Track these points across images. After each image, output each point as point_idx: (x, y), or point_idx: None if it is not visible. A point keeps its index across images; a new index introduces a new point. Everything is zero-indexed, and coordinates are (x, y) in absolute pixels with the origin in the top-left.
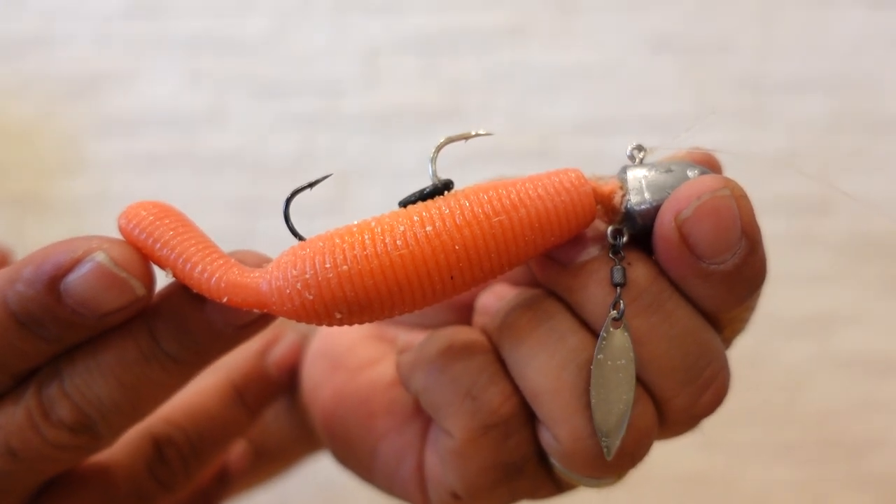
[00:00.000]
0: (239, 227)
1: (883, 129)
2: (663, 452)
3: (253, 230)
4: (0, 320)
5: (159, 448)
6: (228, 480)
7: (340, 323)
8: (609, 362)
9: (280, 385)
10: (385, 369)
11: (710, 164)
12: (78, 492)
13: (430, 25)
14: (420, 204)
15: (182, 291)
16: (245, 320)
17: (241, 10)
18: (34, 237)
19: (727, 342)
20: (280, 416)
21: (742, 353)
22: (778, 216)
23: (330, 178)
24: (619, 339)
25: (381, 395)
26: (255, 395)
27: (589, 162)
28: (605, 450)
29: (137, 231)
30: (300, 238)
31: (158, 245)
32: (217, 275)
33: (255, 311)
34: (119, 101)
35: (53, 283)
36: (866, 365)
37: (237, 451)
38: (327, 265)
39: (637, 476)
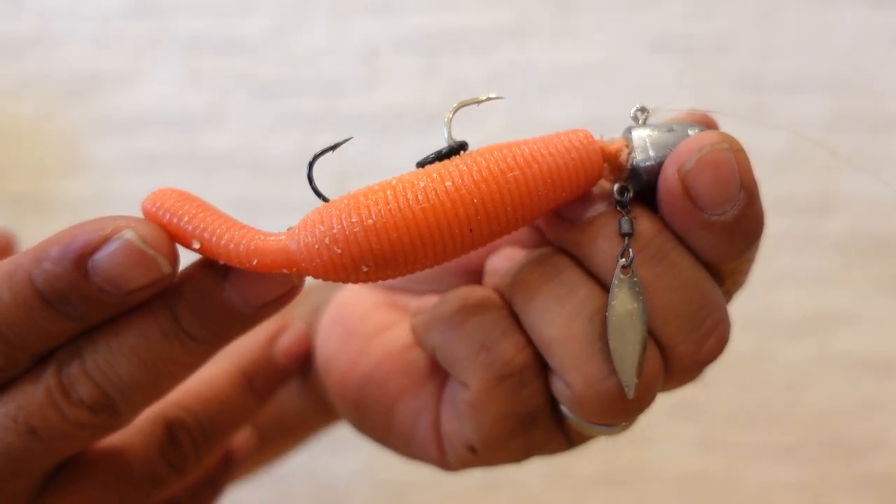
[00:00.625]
0: None
1: (883, 129)
2: (664, 453)
3: None
4: (25, 299)
5: (172, 432)
6: (233, 465)
7: (366, 278)
8: (621, 308)
9: (287, 373)
10: (398, 333)
11: (708, 125)
12: (91, 473)
13: (429, 25)
14: (438, 163)
15: (202, 272)
16: (263, 299)
17: (240, 11)
18: (33, 237)
19: (728, 294)
20: (294, 392)
21: (743, 353)
22: (779, 216)
23: (332, 177)
24: (628, 286)
25: (395, 358)
26: (263, 383)
27: None
28: (626, 389)
29: (162, 212)
30: (324, 199)
31: (185, 220)
32: (245, 241)
33: (284, 271)
34: (118, 101)
35: (81, 260)
36: (867, 365)
37: (241, 436)
38: (353, 220)
39: (638, 476)
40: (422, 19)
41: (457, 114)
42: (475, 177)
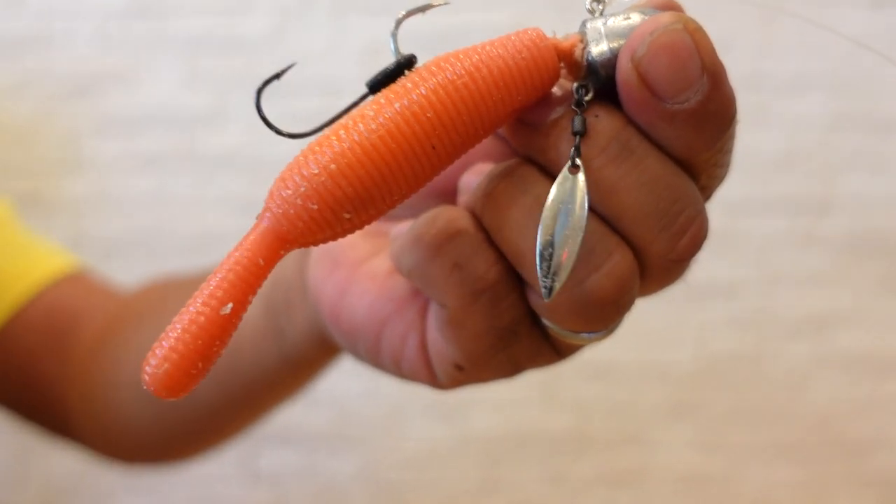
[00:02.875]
0: (238, 227)
1: (883, 130)
2: (663, 453)
3: None
4: None
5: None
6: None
7: (353, 225)
8: (560, 206)
9: None
10: (382, 261)
11: (673, 9)
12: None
13: (429, 25)
14: (384, 89)
15: None
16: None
17: (240, 10)
18: None
19: (707, 190)
20: (298, 326)
21: (742, 352)
22: (778, 216)
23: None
24: (571, 184)
25: (379, 284)
26: None
27: None
28: (544, 290)
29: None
30: (275, 129)
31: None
32: (235, 263)
33: (281, 252)
34: (119, 100)
35: None
36: (867, 364)
37: None
38: (315, 170)
39: (637, 477)
40: (421, 19)
41: None
42: (423, 91)
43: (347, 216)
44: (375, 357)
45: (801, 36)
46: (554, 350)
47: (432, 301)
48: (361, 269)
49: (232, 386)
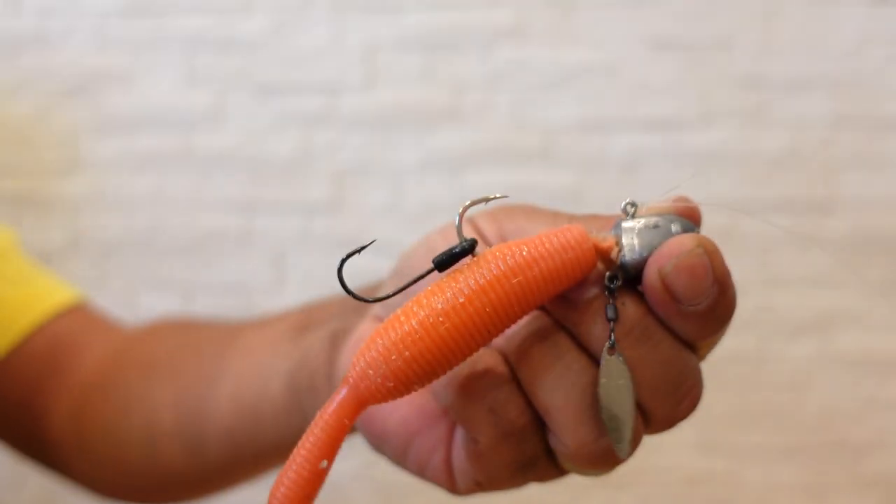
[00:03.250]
0: (237, 227)
1: (884, 129)
2: (666, 454)
3: (251, 229)
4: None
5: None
6: None
7: (417, 389)
8: (611, 383)
9: None
10: None
11: (691, 215)
12: None
13: (429, 24)
14: (447, 276)
15: None
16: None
17: (239, 9)
18: (32, 236)
19: (702, 358)
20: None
21: (744, 353)
22: (780, 217)
23: (329, 176)
24: (615, 364)
25: (412, 399)
26: None
27: (590, 161)
28: (620, 453)
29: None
30: (360, 298)
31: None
32: (324, 426)
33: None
34: (117, 99)
35: None
36: (868, 365)
37: None
38: (393, 357)
39: (639, 478)
40: (421, 18)
41: (461, 112)
42: (484, 286)
43: (416, 386)
44: (400, 460)
45: (802, 35)
46: (558, 472)
47: (460, 429)
48: None
49: (246, 452)
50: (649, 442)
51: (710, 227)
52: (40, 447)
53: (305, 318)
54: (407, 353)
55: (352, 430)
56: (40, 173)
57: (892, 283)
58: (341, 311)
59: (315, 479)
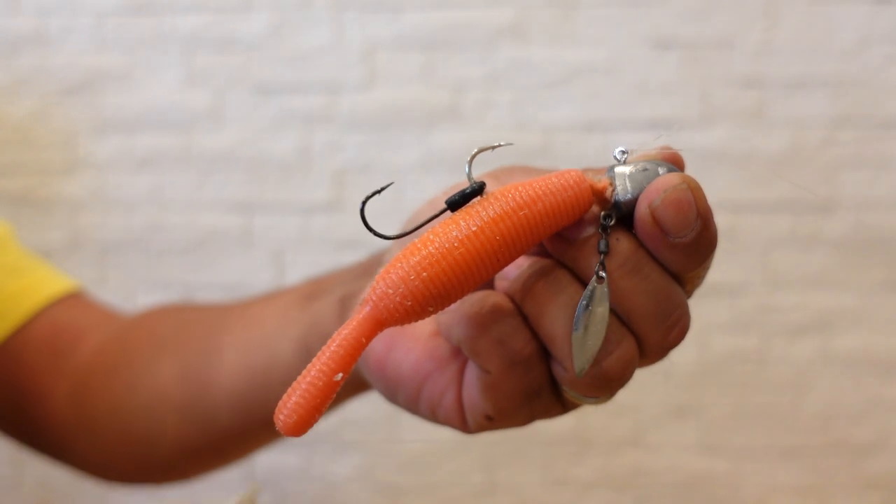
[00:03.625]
0: (236, 226)
1: (886, 129)
2: (665, 456)
3: (250, 229)
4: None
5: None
6: None
7: (431, 313)
8: (592, 308)
9: None
10: (426, 325)
11: (675, 161)
12: None
13: (429, 23)
14: (461, 210)
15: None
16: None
17: (239, 8)
18: (31, 236)
19: (689, 293)
20: None
21: (745, 353)
22: (781, 216)
23: (328, 176)
24: (599, 292)
25: (423, 344)
26: None
27: (590, 160)
28: (578, 372)
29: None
30: (380, 234)
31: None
32: (344, 339)
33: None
34: (116, 99)
35: None
36: (870, 365)
37: None
38: (412, 278)
39: (639, 480)
40: (421, 17)
41: (461, 112)
42: (495, 218)
43: (431, 309)
44: (413, 404)
45: (804, 33)
46: (563, 406)
47: (471, 364)
48: (407, 330)
49: (256, 418)
50: (650, 443)
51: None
52: (42, 433)
53: (313, 287)
54: (425, 273)
55: (357, 391)
56: (39, 173)
57: (894, 283)
58: (349, 278)
59: (328, 390)
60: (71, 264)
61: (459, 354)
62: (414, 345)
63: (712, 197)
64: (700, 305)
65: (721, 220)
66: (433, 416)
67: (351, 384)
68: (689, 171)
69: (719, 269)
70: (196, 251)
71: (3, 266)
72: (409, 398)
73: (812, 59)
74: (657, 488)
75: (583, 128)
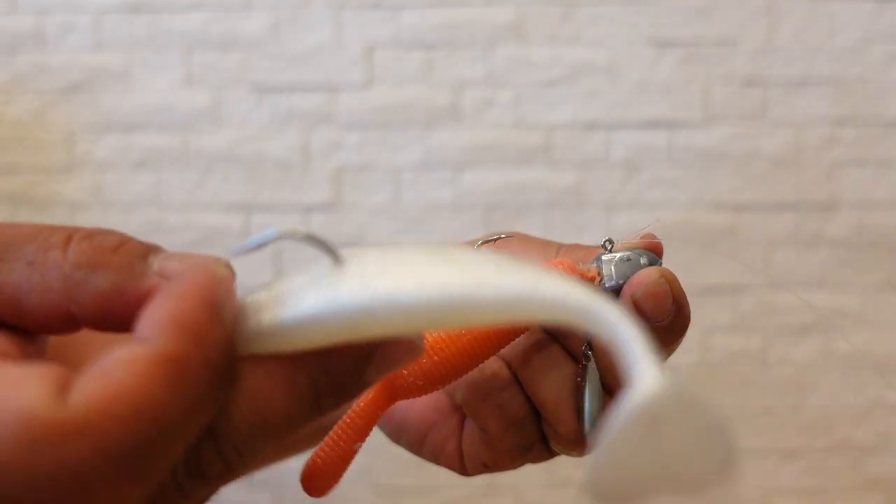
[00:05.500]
0: (235, 226)
1: (886, 129)
2: None
3: (249, 228)
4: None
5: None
6: None
7: (440, 389)
8: (589, 384)
9: None
10: None
11: (655, 249)
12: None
13: (428, 22)
14: None
15: (351, 357)
16: (392, 369)
17: (238, 7)
18: None
19: (664, 360)
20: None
21: (746, 354)
22: (784, 217)
23: (327, 175)
24: (590, 370)
25: (429, 396)
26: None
27: (591, 160)
28: (589, 437)
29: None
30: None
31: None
32: (360, 412)
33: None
34: (114, 98)
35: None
36: (872, 367)
37: None
38: (424, 360)
39: None
40: (420, 16)
41: (461, 111)
42: None
43: (439, 385)
44: (416, 448)
45: (806, 33)
46: (549, 454)
47: (470, 420)
48: None
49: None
50: None
51: (715, 228)
52: None
53: None
54: (436, 357)
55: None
56: (37, 172)
57: (895, 284)
58: None
59: (348, 456)
60: None
61: (460, 409)
62: (419, 399)
63: (713, 197)
64: (701, 306)
65: (722, 221)
66: (435, 459)
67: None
68: (691, 170)
69: (720, 270)
70: (194, 250)
71: None
72: (413, 443)
73: (813, 59)
74: None
75: (583, 127)
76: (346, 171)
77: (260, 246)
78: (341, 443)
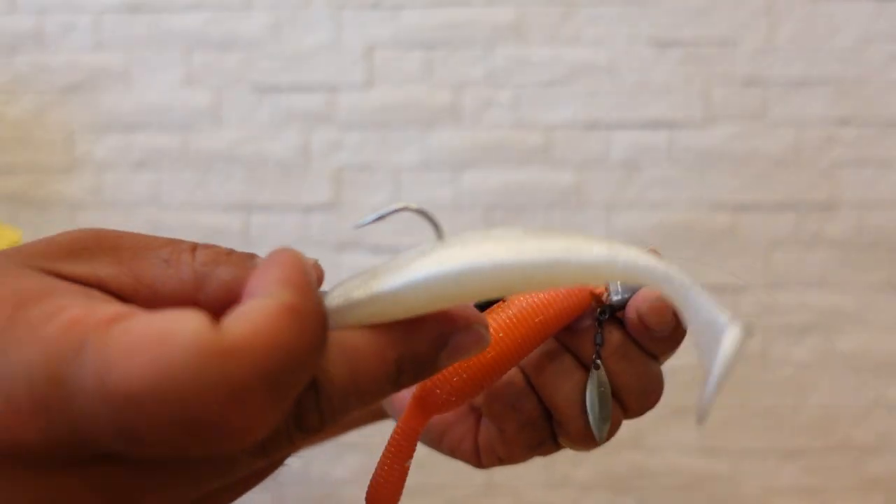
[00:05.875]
0: (235, 226)
1: (886, 129)
2: (666, 457)
3: (249, 228)
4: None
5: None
6: None
7: (469, 401)
8: (596, 389)
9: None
10: None
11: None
12: None
13: (428, 22)
14: (487, 315)
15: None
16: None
17: (238, 7)
18: (31, 235)
19: (661, 363)
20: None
21: (746, 354)
22: (784, 217)
23: (327, 175)
24: (600, 376)
25: None
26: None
27: (590, 160)
28: (598, 436)
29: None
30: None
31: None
32: (401, 436)
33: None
34: (115, 98)
35: (442, 339)
36: (871, 366)
37: None
38: (454, 378)
39: (640, 481)
40: (420, 16)
41: (461, 111)
42: (517, 324)
43: (468, 399)
44: (435, 444)
45: (805, 33)
46: (558, 448)
47: (486, 419)
48: None
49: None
50: (650, 444)
51: (715, 228)
52: None
53: None
54: (465, 374)
55: (386, 417)
56: (38, 172)
57: (894, 284)
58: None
59: (402, 474)
60: None
61: (477, 410)
62: None
63: (713, 197)
64: None
65: (722, 221)
66: (452, 454)
67: (373, 415)
68: (691, 170)
69: (720, 271)
70: None
71: None
72: (432, 440)
73: (813, 59)
74: (657, 489)
75: (583, 127)
76: (346, 171)
77: (380, 219)
78: (394, 464)
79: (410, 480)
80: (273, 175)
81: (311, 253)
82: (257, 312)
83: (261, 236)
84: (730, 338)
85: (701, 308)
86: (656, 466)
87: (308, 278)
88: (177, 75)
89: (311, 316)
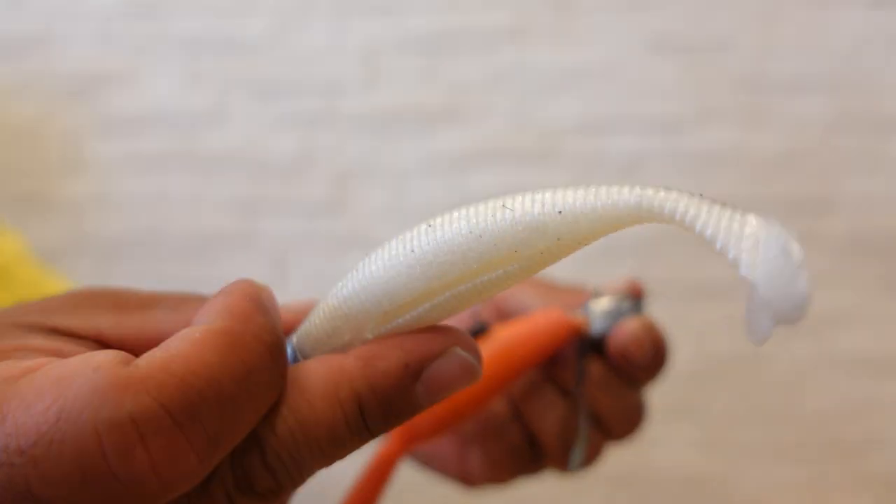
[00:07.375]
0: (239, 228)
1: (883, 129)
2: (663, 454)
3: (253, 230)
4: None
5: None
6: None
7: (452, 430)
8: (576, 419)
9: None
10: None
11: (637, 293)
12: None
13: (429, 26)
14: None
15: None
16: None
17: (241, 11)
18: (36, 237)
19: (642, 388)
20: None
21: (742, 353)
22: (778, 216)
23: (333, 177)
24: (582, 406)
25: None
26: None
27: (590, 163)
28: (571, 464)
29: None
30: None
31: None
32: (377, 460)
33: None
34: (120, 101)
35: (419, 369)
36: (866, 365)
37: None
38: (436, 409)
39: (638, 477)
40: (422, 20)
41: (461, 113)
42: (499, 358)
43: (450, 430)
44: (424, 467)
45: (801, 36)
46: (540, 472)
47: (474, 447)
48: None
49: None
50: (649, 439)
51: None
52: None
53: None
54: (446, 405)
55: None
56: (44, 174)
57: (891, 283)
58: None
59: (376, 499)
60: (75, 265)
61: (464, 436)
62: None
63: (712, 197)
64: (698, 306)
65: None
66: (442, 477)
67: None
68: (688, 173)
69: (715, 268)
70: (199, 252)
71: (24, 281)
72: (423, 462)
73: (810, 61)
74: (655, 487)
75: (582, 129)
76: (349, 173)
77: None
78: (369, 494)
79: (405, 478)
80: (276, 177)
81: (314, 254)
82: (178, 340)
83: (264, 238)
84: (775, 248)
85: (733, 232)
86: (654, 464)
87: (254, 305)
88: (181, 79)
89: (244, 339)
